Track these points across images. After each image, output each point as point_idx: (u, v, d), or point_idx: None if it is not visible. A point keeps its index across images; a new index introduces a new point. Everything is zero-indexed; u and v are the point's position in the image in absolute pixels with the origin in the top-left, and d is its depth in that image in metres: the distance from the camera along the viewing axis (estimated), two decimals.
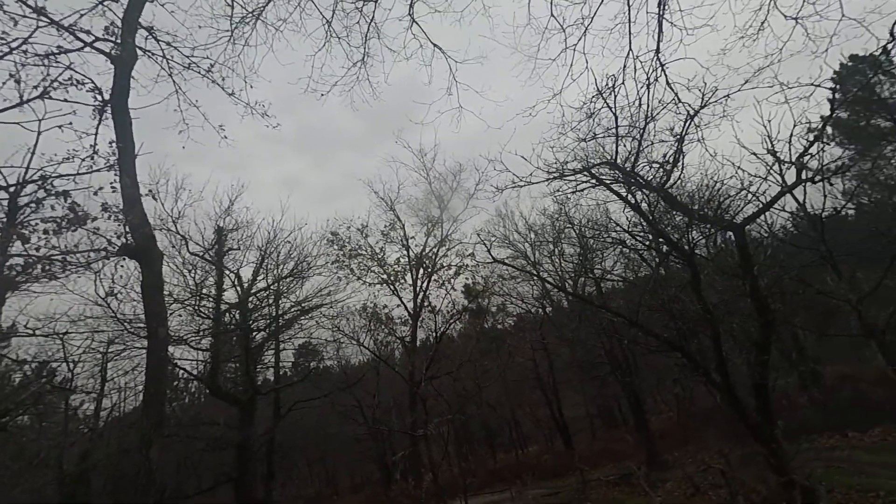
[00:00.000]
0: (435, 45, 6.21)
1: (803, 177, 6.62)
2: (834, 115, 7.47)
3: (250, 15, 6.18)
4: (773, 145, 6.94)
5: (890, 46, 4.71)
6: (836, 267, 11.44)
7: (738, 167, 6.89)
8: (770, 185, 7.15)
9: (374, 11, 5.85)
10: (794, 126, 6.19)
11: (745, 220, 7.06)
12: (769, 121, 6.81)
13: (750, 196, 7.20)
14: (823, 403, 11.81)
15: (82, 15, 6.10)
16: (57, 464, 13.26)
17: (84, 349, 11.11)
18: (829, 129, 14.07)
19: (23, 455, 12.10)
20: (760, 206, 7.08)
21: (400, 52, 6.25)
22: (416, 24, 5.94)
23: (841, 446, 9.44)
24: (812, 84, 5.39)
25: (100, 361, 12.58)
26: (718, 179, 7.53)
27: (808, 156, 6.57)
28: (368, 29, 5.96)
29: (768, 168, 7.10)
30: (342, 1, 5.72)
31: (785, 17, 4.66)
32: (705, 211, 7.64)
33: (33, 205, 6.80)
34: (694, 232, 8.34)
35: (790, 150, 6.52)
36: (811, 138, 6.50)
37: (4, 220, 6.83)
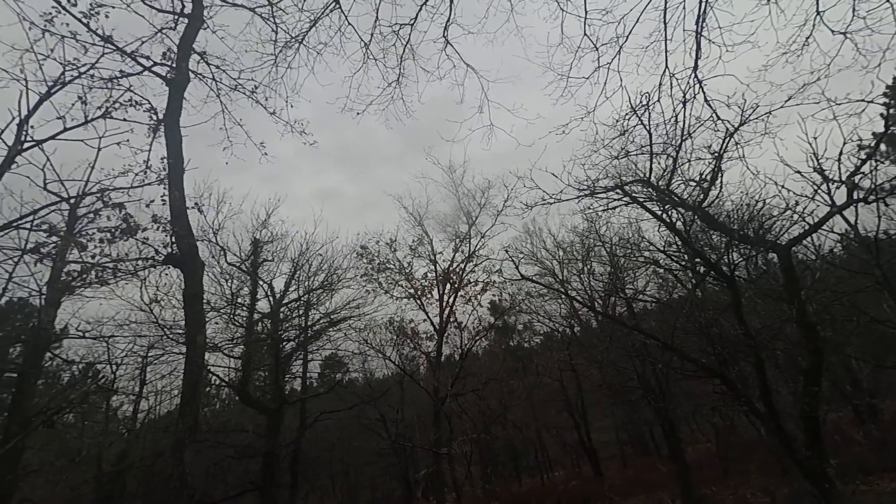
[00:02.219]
0: (468, 65, 6.35)
1: (855, 196, 6.27)
2: (889, 131, 7.08)
3: (293, 40, 6.53)
4: (819, 163, 6.63)
5: None
6: (892, 293, 10.64)
7: (782, 186, 6.61)
8: (818, 206, 6.80)
9: (409, 34, 6.06)
10: (844, 143, 5.91)
11: (791, 241, 6.73)
12: (815, 138, 6.53)
13: (795, 216, 6.88)
14: (882, 441, 10.84)
15: (143, 42, 6.64)
16: (96, 462, 13.87)
17: (126, 352, 11.65)
18: (882, 147, 13.27)
19: (66, 452, 12.74)
20: (807, 226, 6.75)
21: (434, 73, 6.42)
22: (451, 45, 6.11)
23: None
24: (863, 100, 5.16)
25: (140, 365, 13.16)
26: (760, 199, 7.23)
27: (860, 174, 6.24)
28: (404, 51, 6.17)
29: (815, 187, 6.77)
30: (380, 25, 5.97)
31: (833, 31, 4.50)
32: (746, 231, 7.33)
33: (91, 215, 7.34)
34: (734, 253, 7.99)
35: (840, 168, 6.21)
36: (863, 156, 6.19)
37: (65, 229, 7.39)
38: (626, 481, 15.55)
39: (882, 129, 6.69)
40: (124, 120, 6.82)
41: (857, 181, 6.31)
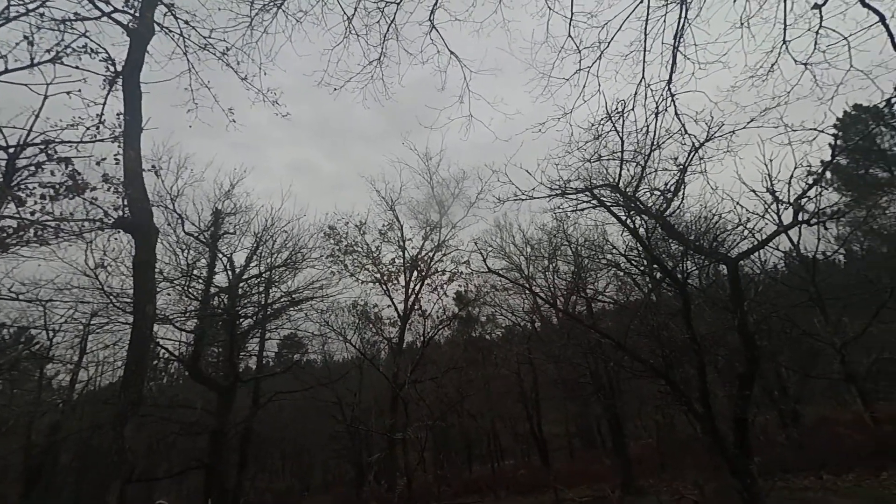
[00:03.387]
0: (452, 53, 6.27)
1: (800, 218, 6.73)
2: (834, 160, 7.62)
3: (272, 4, 6.21)
4: (772, 184, 7.07)
5: (893, 100, 4.83)
6: (823, 310, 11.60)
7: (737, 202, 7.03)
8: (766, 224, 7.27)
9: (395, 13, 5.91)
10: (795, 168, 6.32)
11: (740, 255, 7.15)
12: (770, 160, 6.95)
13: (746, 232, 7.33)
14: (801, 443, 11.88)
15: None
16: (25, 433, 13.03)
17: (66, 319, 10.94)
18: (828, 174, 14.32)
19: None
20: (756, 242, 7.19)
21: (417, 56, 6.31)
22: (436, 29, 6.00)
23: (814, 487, 9.49)
24: (815, 129, 5.51)
25: (81, 333, 12.40)
26: (717, 213, 7.65)
27: (806, 198, 6.70)
28: (388, 29, 6.01)
29: (766, 206, 7.23)
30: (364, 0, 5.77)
31: (795, 61, 4.77)
32: (701, 242, 7.73)
33: (32, 168, 6.74)
34: (688, 262, 8.43)
35: (789, 190, 6.64)
36: (810, 181, 6.63)
37: (1, 180, 6.77)
38: (572, 472, 16.26)
39: (829, 158, 7.19)
40: (76, 68, 6.27)
41: (802, 204, 6.78)
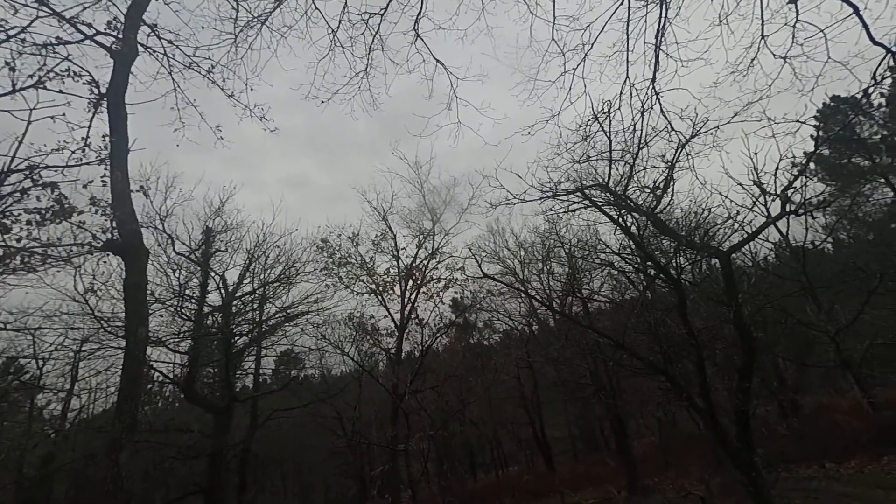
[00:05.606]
0: (437, 61, 6.32)
1: (787, 209, 6.82)
2: (817, 151, 7.76)
3: (256, 20, 6.23)
4: (759, 177, 7.17)
5: (871, 90, 4.94)
6: (815, 298, 11.75)
7: (726, 196, 7.09)
8: (756, 216, 7.36)
9: (379, 24, 5.95)
10: (780, 160, 6.41)
11: (732, 248, 7.22)
12: (756, 153, 7.04)
13: (736, 225, 7.40)
14: (802, 433, 11.94)
15: (85, 7, 6.08)
16: (17, 466, 12.64)
17: (56, 346, 10.69)
18: (812, 165, 14.60)
19: None
20: (746, 235, 7.26)
21: (403, 66, 6.34)
22: (421, 38, 6.05)
23: (818, 476, 9.52)
24: (798, 121, 5.61)
25: (72, 360, 12.12)
26: (706, 207, 7.72)
27: (793, 189, 6.79)
28: (373, 41, 6.05)
29: (754, 199, 7.31)
30: (349, 12, 5.81)
31: (774, 55, 4.87)
32: (693, 237, 7.80)
33: (17, 194, 6.63)
34: (681, 257, 8.49)
35: (776, 182, 6.73)
36: (795, 172, 6.75)
37: None
38: (577, 475, 16.18)
39: (812, 149, 7.33)
40: (60, 92, 6.20)
41: (789, 195, 6.88)
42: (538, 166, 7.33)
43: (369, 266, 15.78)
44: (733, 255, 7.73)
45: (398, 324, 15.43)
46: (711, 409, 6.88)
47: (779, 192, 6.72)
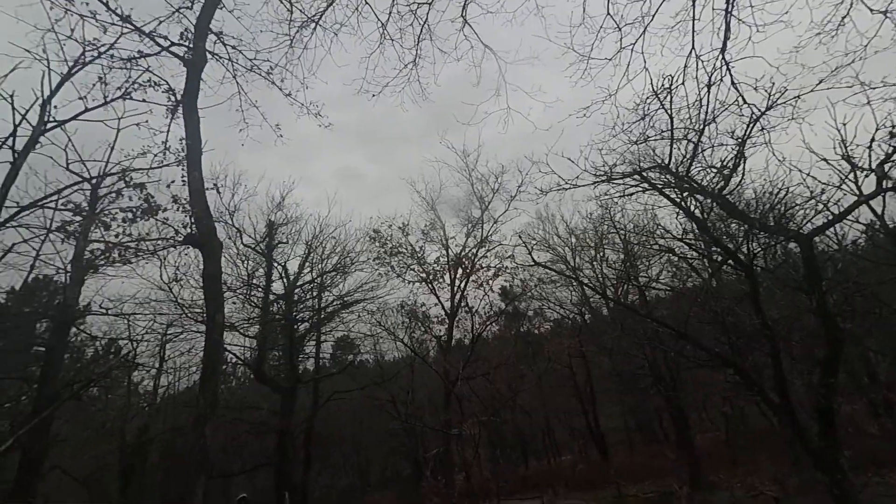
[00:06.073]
0: (486, 46, 6.23)
1: (884, 185, 6.06)
2: None
3: (309, 20, 6.46)
4: (848, 151, 6.40)
5: None
6: None
7: (808, 174, 6.41)
8: (844, 195, 6.60)
9: (427, 13, 5.95)
10: (877, 130, 5.70)
11: (814, 230, 6.56)
12: (844, 124, 6.30)
13: (819, 205, 6.68)
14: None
15: (161, 22, 6.63)
16: (120, 434, 14.47)
17: (146, 330, 12.03)
18: None
19: (91, 424, 13.30)
20: (831, 216, 6.55)
21: (451, 53, 6.32)
22: (469, 25, 5.98)
23: None
24: None
25: (160, 342, 13.58)
26: (784, 187, 7.02)
27: (891, 163, 6.01)
28: (421, 30, 6.07)
29: (842, 176, 6.56)
30: (397, 4, 5.87)
31: (871, 10, 4.29)
32: (767, 219, 7.16)
33: (112, 195, 7.48)
34: (753, 242, 7.83)
35: (870, 156, 5.99)
36: (895, 144, 5.94)
37: (87, 208, 7.56)
38: (634, 467, 15.69)
39: None
40: (143, 101, 6.89)
41: (887, 170, 6.09)
42: (592, 149, 7.03)
43: (419, 255, 16.10)
44: (816, 238, 7.02)
45: (448, 311, 15.66)
46: (789, 404, 6.38)
47: (874, 166, 5.99)
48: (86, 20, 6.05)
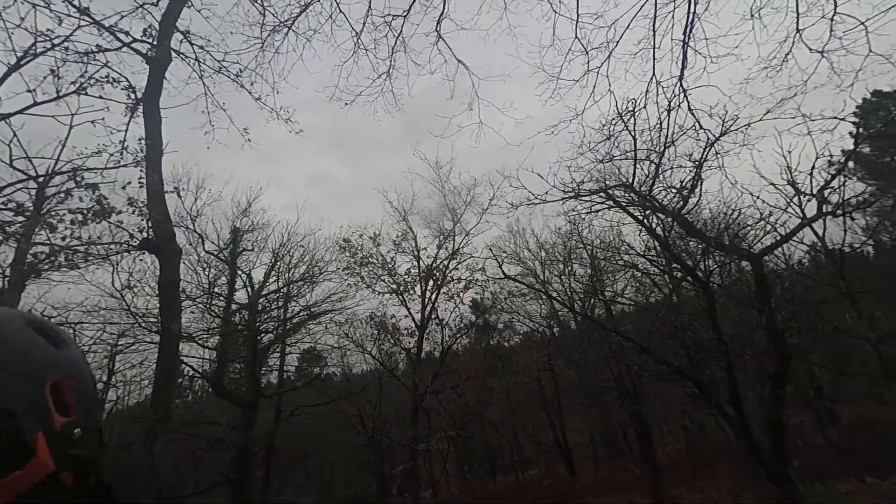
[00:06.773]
0: (459, 61, 6.35)
1: (824, 210, 6.53)
2: (857, 149, 7.39)
3: (282, 25, 6.40)
4: (793, 177, 6.89)
5: None
6: (855, 304, 11.14)
7: (757, 197, 6.85)
8: (790, 217, 7.06)
9: (402, 26, 6.01)
10: (816, 158, 6.15)
11: (764, 250, 6.96)
12: (789, 152, 6.78)
13: (768, 227, 7.13)
14: (840, 445, 11.35)
15: (123, 16, 6.38)
16: None
17: (95, 340, 11.25)
18: (851, 164, 13.86)
19: None
20: (779, 237, 6.99)
21: (425, 67, 6.40)
22: (443, 39, 6.08)
23: (858, 492, 9.03)
24: (835, 117, 5.37)
25: (109, 353, 12.73)
26: (736, 208, 7.46)
27: (830, 189, 6.50)
28: (395, 42, 6.12)
29: (788, 199, 7.03)
30: (372, 14, 5.90)
31: (810, 50, 4.67)
32: (722, 239, 7.55)
33: (61, 195, 7.04)
34: (709, 260, 8.23)
35: (811, 182, 6.46)
36: (833, 172, 6.44)
37: (32, 208, 7.07)
38: (599, 481, 15.85)
39: (851, 147, 6.98)
40: (100, 97, 6.56)
41: (826, 195, 6.58)
42: (560, 166, 7.25)
43: (390, 266, 15.95)
44: (765, 257, 7.44)
45: (418, 324, 15.52)
46: (743, 417, 6.64)
47: (815, 192, 6.45)
48: (38, 9, 5.74)
